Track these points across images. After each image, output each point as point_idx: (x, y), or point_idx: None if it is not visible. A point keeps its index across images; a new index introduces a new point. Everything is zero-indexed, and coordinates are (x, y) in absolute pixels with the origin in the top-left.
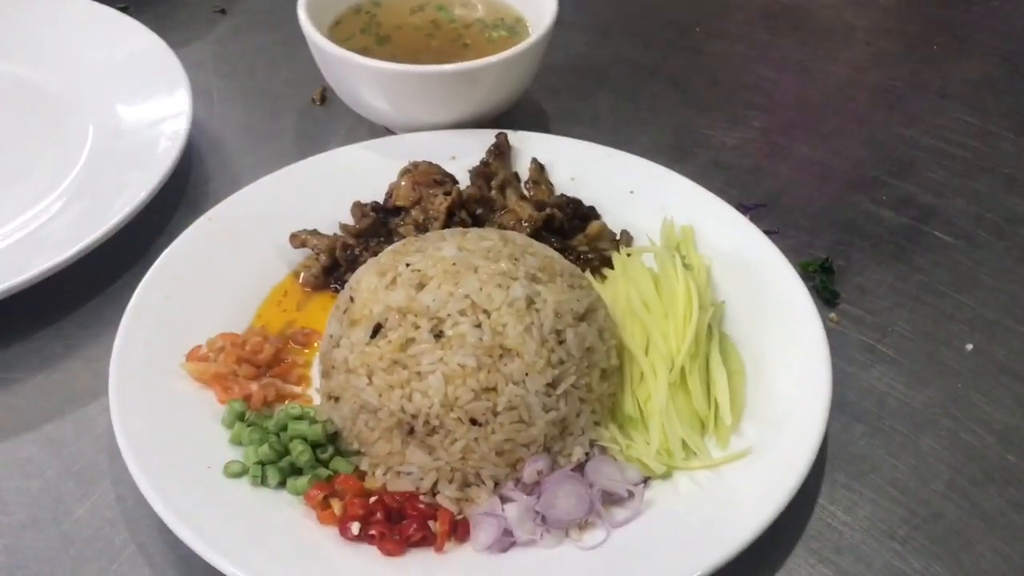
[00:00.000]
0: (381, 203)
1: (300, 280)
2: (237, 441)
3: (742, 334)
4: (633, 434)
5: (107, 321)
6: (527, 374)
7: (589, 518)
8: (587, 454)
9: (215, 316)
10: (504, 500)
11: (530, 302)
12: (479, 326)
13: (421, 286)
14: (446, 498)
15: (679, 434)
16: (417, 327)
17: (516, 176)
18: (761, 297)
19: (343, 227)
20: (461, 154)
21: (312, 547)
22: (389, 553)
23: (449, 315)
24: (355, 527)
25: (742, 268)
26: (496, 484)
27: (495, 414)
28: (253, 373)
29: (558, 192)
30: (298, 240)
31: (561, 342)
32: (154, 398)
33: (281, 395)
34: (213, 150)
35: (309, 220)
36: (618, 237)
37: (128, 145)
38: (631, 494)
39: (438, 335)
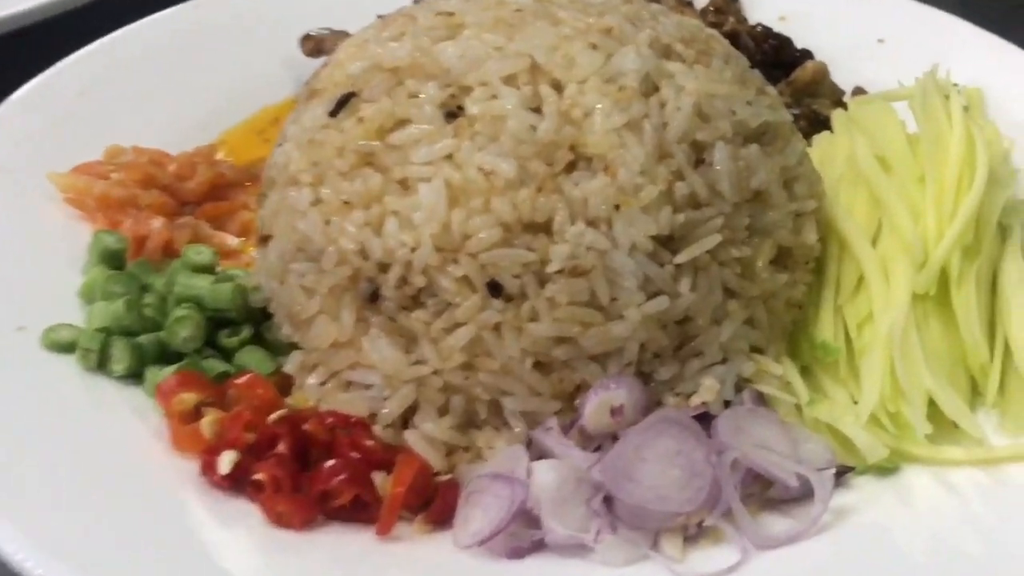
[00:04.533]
0: None
1: None
2: (89, 294)
3: None
4: (829, 385)
5: None
6: (618, 207)
7: (707, 518)
8: (727, 402)
9: (152, 128)
10: (538, 454)
11: (651, 86)
12: (537, 109)
13: (448, 38)
14: (424, 439)
15: (923, 385)
16: (416, 97)
17: (689, 2)
18: None
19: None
20: None
21: (142, 498)
22: (279, 519)
23: (484, 83)
24: (227, 460)
25: None
26: (531, 425)
27: (542, 281)
28: (168, 206)
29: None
30: (313, 42)
31: (700, 164)
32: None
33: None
34: None
35: (339, 16)
36: (847, 96)
37: None
38: (806, 487)
39: (452, 114)
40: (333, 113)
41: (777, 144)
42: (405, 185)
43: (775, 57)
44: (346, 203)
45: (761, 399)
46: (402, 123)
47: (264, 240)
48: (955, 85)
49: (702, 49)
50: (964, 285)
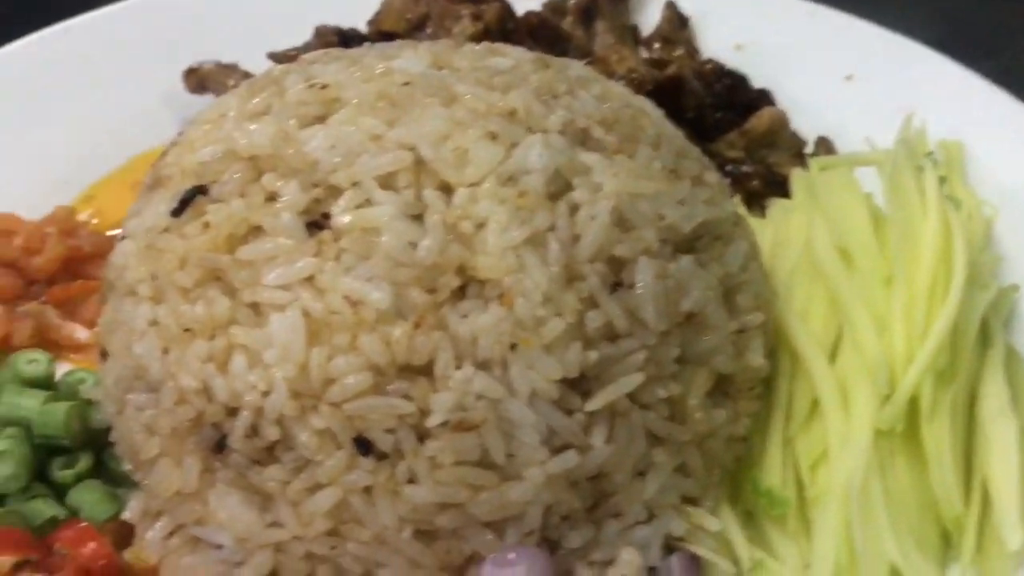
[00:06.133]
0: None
1: None
2: None
3: None
4: (775, 538)
5: None
6: (515, 346)
7: None
8: (652, 571)
9: (8, 174)
10: None
11: (562, 184)
12: (419, 217)
13: (319, 119)
14: None
15: (889, 554)
16: (274, 201)
17: (633, 29)
18: None
19: (272, 56)
20: None
21: None
22: None
23: (356, 184)
24: None
25: None
26: None
27: (421, 436)
28: (11, 288)
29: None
30: (196, 77)
31: (617, 287)
32: None
33: (50, 339)
34: None
35: (223, 46)
36: (808, 148)
37: None
38: None
39: (316, 223)
40: (176, 212)
41: (715, 249)
42: (257, 311)
43: (728, 98)
44: (187, 330)
45: (695, 562)
46: (256, 231)
47: (104, 355)
48: (930, 154)
49: (627, 133)
50: (936, 419)
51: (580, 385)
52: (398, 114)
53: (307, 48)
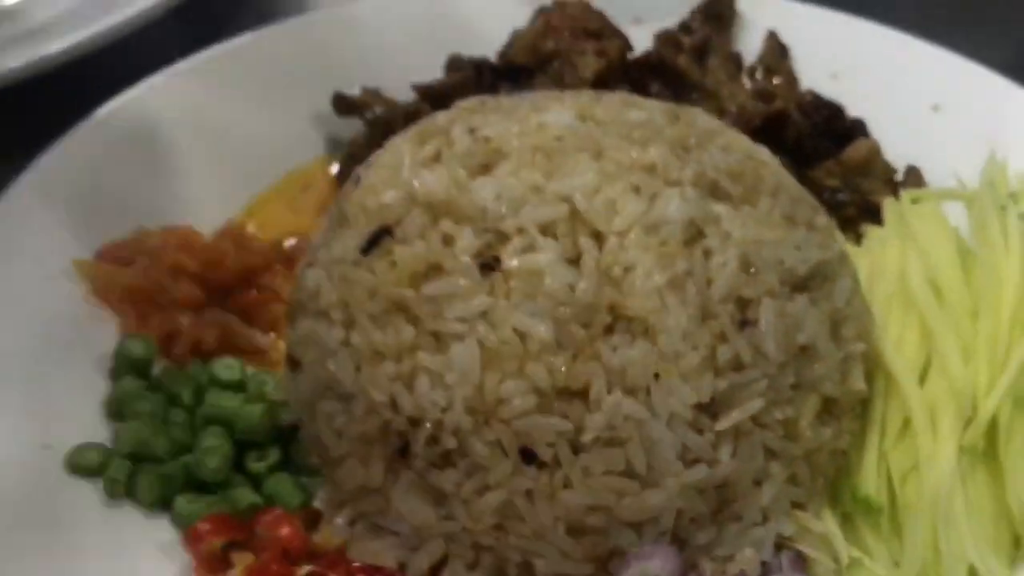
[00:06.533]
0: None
1: (337, 168)
2: (116, 409)
3: None
4: (870, 540)
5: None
6: (657, 376)
7: None
8: (765, 565)
9: (177, 199)
10: None
11: (695, 232)
12: (576, 261)
13: (484, 168)
14: None
15: (966, 556)
16: (451, 243)
17: (737, 57)
18: None
19: (416, 88)
20: (650, 14)
21: None
22: None
23: (521, 229)
24: None
25: None
26: None
27: (576, 449)
28: (197, 298)
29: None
30: (346, 103)
31: (744, 325)
32: (9, 311)
33: (233, 344)
34: None
35: (372, 73)
36: (899, 176)
37: None
38: None
39: (488, 265)
40: (365, 251)
41: (825, 287)
42: (438, 339)
43: (825, 127)
44: (377, 353)
45: (801, 558)
46: (436, 269)
47: (294, 364)
48: (1011, 195)
49: (750, 184)
50: (1013, 439)
51: (710, 408)
52: (554, 167)
53: (448, 82)
